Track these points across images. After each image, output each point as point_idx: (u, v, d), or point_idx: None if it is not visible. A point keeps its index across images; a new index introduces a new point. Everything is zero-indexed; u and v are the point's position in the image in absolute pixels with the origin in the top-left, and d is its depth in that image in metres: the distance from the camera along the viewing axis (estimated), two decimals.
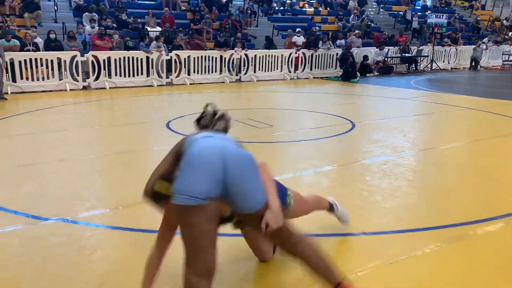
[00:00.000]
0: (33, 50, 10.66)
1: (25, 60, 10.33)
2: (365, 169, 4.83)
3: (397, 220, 3.48)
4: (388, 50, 16.14)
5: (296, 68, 14.23)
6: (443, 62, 17.78)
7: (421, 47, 17.41)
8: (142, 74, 11.84)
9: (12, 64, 10.10)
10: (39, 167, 4.78)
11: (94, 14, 13.48)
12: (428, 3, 22.48)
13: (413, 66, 16.67)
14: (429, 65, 17.01)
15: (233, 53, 13.02)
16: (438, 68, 17.11)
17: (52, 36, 11.21)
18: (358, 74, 14.14)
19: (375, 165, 4.94)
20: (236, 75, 13.17)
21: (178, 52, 12.33)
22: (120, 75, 11.54)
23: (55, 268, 2.71)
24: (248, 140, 6.07)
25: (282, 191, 2.63)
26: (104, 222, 3.40)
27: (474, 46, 18.21)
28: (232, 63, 13.04)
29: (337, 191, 4.22)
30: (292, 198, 2.70)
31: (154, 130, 6.82)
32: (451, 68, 17.82)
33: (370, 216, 3.56)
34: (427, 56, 17.10)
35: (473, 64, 18.05)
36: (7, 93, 9.71)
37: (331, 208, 3.14)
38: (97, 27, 12.41)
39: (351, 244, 3.10)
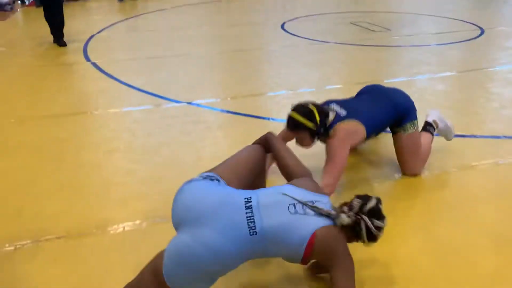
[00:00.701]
0: None
1: None
2: (487, 77, 4.56)
3: None
4: None
5: None
6: None
7: None
8: None
9: None
10: (167, 59, 5.33)
11: None
12: None
13: None
14: None
15: None
16: None
17: None
18: None
19: (500, 73, 4.61)
20: None
21: None
22: None
23: (189, 139, 3.21)
24: (362, 43, 5.98)
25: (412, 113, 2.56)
26: (225, 107, 3.82)
27: None
28: None
29: (452, 96, 4.11)
30: (416, 128, 2.57)
31: (269, 31, 6.98)
32: None
33: (484, 121, 3.48)
34: None
35: None
36: None
37: (431, 130, 2.85)
38: None
39: (458, 144, 3.10)
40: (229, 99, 4.04)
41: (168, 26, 7.39)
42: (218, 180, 1.75)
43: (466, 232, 2.17)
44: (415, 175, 2.66)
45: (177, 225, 1.65)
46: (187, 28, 7.19)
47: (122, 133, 3.35)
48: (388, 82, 4.44)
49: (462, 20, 7.28)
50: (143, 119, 3.59)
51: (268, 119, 3.57)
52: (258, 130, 3.37)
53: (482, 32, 6.43)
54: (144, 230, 2.21)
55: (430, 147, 2.77)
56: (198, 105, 3.86)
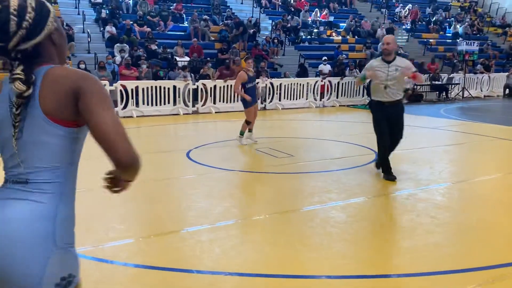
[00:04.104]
0: None
1: None
2: (387, 204, 4.62)
3: (415, 261, 3.24)
4: None
5: (322, 96, 14.13)
6: (476, 90, 17.30)
7: (452, 75, 17.02)
8: (169, 103, 12.03)
9: None
10: None
11: (125, 45, 13.91)
12: (460, 30, 22.10)
13: (444, 94, 16.27)
14: (461, 93, 16.56)
15: (258, 82, 13.08)
16: (470, 96, 16.62)
17: (82, 66, 11.59)
18: None
19: (397, 199, 4.71)
20: (261, 103, 13.19)
21: (204, 81, 12.49)
22: (147, 104, 11.75)
23: None
24: (266, 170, 5.96)
25: None
26: (108, 255, 3.32)
27: (508, 73, 17.66)
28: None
29: (354, 227, 4.02)
30: None
31: (174, 160, 6.81)
32: (484, 96, 17.29)
33: (388, 256, 3.35)
34: (458, 84, 16.68)
35: (507, 92, 17.46)
36: None
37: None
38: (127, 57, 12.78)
39: (367, 286, 2.89)
40: (118, 243, 3.56)
41: None
42: None
43: None
44: None
45: None
46: (87, 159, 6.75)
47: None
48: (291, 211, 4.30)
49: (358, 145, 7.74)
50: None
51: (186, 271, 3.13)
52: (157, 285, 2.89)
53: (377, 156, 6.80)
54: None
55: None
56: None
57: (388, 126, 5.39)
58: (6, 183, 1.38)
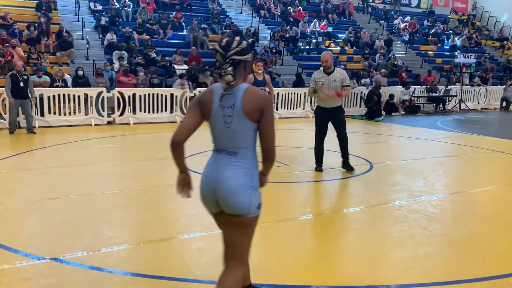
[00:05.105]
0: (61, 86, 11.05)
1: (53, 96, 10.70)
2: (376, 215, 4.60)
3: (404, 272, 3.24)
4: (415, 89, 15.93)
5: None
6: (473, 102, 17.37)
7: (449, 87, 17.09)
8: (166, 110, 12.05)
9: (41, 99, 10.48)
10: (41, 204, 4.79)
11: (124, 52, 13.96)
12: (458, 43, 22.24)
13: (441, 105, 16.32)
14: (458, 105, 16.62)
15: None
16: (467, 108, 16.68)
17: (80, 72, 11.62)
18: (383, 113, 13.92)
19: (388, 210, 4.70)
20: None
21: (201, 89, 12.52)
22: (144, 111, 11.77)
23: None
24: None
25: None
26: (101, 263, 3.31)
27: (505, 86, 17.75)
28: None
29: (343, 237, 4.01)
30: None
31: (167, 167, 6.77)
32: (481, 109, 17.35)
33: (375, 267, 3.34)
34: (455, 96, 16.75)
35: (504, 104, 17.54)
36: (34, 127, 10.02)
37: None
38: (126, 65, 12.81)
39: None
40: (107, 249, 3.55)
41: (64, 162, 6.87)
42: None
43: None
44: None
45: None
46: (86, 164, 6.75)
47: None
48: (283, 220, 4.29)
49: (352, 155, 7.72)
50: None
51: (174, 279, 3.11)
52: None
53: (371, 167, 6.81)
54: None
55: None
56: (63, 261, 3.31)
57: (334, 127, 6.47)
58: (220, 153, 2.33)
